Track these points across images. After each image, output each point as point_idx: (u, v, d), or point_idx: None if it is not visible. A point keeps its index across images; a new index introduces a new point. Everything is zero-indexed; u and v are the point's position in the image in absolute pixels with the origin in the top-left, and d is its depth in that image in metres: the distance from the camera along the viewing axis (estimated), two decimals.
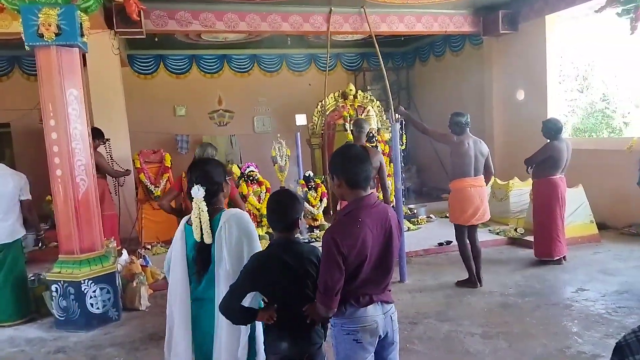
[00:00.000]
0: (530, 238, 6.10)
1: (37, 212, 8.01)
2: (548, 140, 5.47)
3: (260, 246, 2.32)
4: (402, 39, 10.18)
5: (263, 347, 2.26)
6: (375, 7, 8.15)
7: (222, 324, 2.23)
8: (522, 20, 8.36)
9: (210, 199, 2.28)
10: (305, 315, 2.10)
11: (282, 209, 2.17)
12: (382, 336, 2.16)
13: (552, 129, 5.40)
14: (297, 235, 2.23)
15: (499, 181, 7.62)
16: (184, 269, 2.30)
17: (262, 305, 2.21)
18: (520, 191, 7.20)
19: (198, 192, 2.23)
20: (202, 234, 2.23)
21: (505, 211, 7.29)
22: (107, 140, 6.78)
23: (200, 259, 2.25)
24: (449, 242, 6.40)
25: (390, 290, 2.22)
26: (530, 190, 6.01)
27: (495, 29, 8.48)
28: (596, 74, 8.74)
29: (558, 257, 5.54)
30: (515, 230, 6.72)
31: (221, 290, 2.20)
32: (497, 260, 5.91)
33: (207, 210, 2.24)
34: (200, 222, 2.22)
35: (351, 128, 5.22)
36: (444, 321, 4.17)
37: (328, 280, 1.99)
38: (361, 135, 5.25)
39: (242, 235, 2.25)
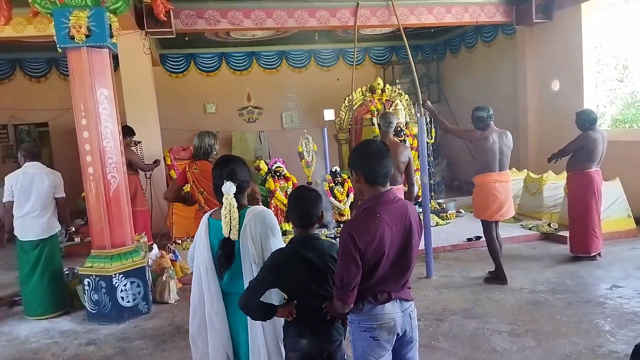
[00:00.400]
0: (565, 233, 5.91)
1: (72, 208, 8.36)
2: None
3: (283, 243, 2.32)
4: (432, 30, 10.00)
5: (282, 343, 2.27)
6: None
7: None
8: (556, 9, 8.08)
9: (237, 195, 2.30)
10: (325, 312, 2.11)
11: (303, 206, 2.18)
12: (400, 334, 2.13)
13: (585, 120, 5.22)
14: (323, 230, 2.23)
15: (532, 174, 7.41)
16: (211, 263, 2.33)
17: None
18: (555, 185, 6.96)
19: (229, 188, 2.24)
20: (230, 230, 2.24)
21: (539, 205, 7.08)
22: (139, 142, 6.96)
23: (224, 255, 2.26)
24: (478, 238, 6.26)
25: (409, 288, 2.19)
26: (565, 184, 5.81)
27: (528, 18, 8.23)
28: (637, 62, 8.34)
29: (594, 253, 5.35)
30: (549, 225, 6.52)
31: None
32: (528, 256, 5.75)
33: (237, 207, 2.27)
34: (230, 218, 2.23)
35: (378, 122, 5.03)
36: (470, 318, 4.09)
37: (344, 276, 1.98)
38: (389, 129, 5.00)
39: (268, 231, 2.27)
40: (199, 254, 2.39)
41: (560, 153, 5.40)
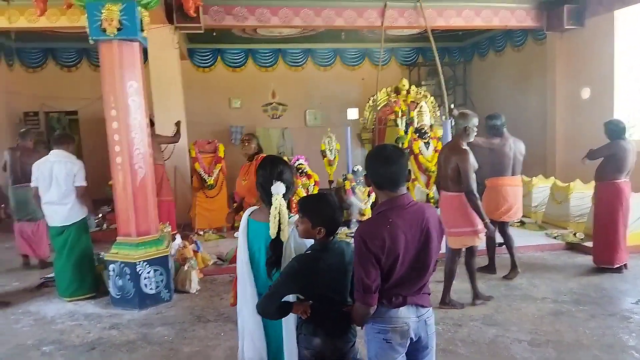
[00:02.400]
0: (590, 244, 5.79)
1: (100, 195, 8.54)
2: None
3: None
4: (460, 33, 9.92)
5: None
6: (432, 1, 7.99)
7: (290, 320, 2.26)
8: (589, 15, 7.94)
9: (286, 197, 2.27)
10: (347, 314, 2.12)
11: (333, 213, 2.15)
12: (415, 339, 2.11)
13: (614, 130, 5.18)
14: (344, 228, 2.22)
15: (559, 183, 7.28)
16: (248, 265, 2.34)
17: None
18: (582, 194, 6.82)
19: (280, 188, 2.21)
20: (278, 231, 2.19)
21: (565, 215, 6.95)
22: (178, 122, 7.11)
23: (275, 256, 2.23)
24: (501, 244, 6.17)
25: (429, 294, 2.17)
26: (593, 194, 5.70)
27: (559, 24, 8.10)
28: None
29: (618, 265, 5.24)
30: (574, 235, 6.40)
31: None
32: (552, 265, 5.66)
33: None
34: (280, 219, 2.18)
35: (458, 121, 4.40)
36: (490, 325, 4.05)
37: (364, 279, 1.98)
38: (468, 132, 4.31)
39: (310, 241, 2.23)
40: (239, 253, 2.39)
41: (590, 155, 5.34)
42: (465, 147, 4.26)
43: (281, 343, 2.34)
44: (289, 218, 2.24)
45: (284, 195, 2.22)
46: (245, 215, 2.41)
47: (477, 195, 4.14)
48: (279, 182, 2.23)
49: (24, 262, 6.24)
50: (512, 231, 6.84)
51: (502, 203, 5.10)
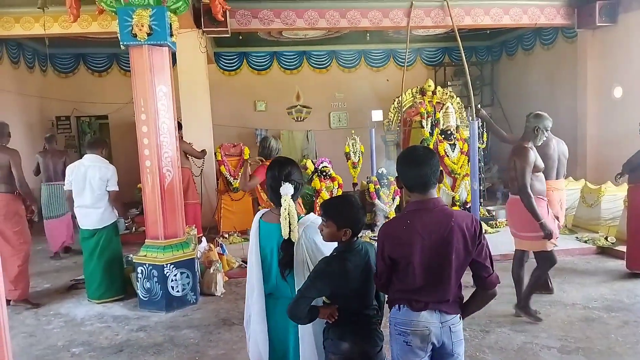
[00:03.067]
0: (622, 248, 5.62)
1: (128, 198, 8.74)
2: None
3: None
4: (488, 32, 9.76)
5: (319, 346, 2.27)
6: (459, 0, 7.87)
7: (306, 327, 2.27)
8: (622, 12, 7.71)
9: (294, 198, 2.30)
10: (374, 317, 2.15)
11: (359, 214, 2.17)
12: (437, 345, 2.09)
13: None
14: (367, 232, 2.23)
15: (590, 185, 7.08)
16: (258, 266, 2.36)
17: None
18: (614, 197, 6.62)
19: (288, 189, 2.24)
20: (289, 232, 2.23)
21: (596, 218, 6.76)
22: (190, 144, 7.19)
23: (287, 257, 2.26)
24: None
25: (455, 301, 2.11)
26: (625, 196, 5.52)
27: (591, 21, 7.89)
28: None
29: None
30: (606, 239, 6.22)
31: None
32: (583, 270, 5.51)
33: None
34: (289, 220, 2.22)
35: (530, 121, 4.24)
36: (519, 332, 3.97)
37: (377, 266, 2.14)
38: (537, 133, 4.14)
39: (320, 242, 2.25)
40: (250, 254, 2.43)
41: (626, 167, 5.08)
42: (528, 145, 4.10)
43: (287, 348, 2.35)
44: (299, 219, 2.27)
45: (293, 196, 2.26)
46: (256, 217, 2.45)
47: (530, 194, 3.95)
48: (287, 183, 2.26)
49: (55, 256, 6.77)
50: None
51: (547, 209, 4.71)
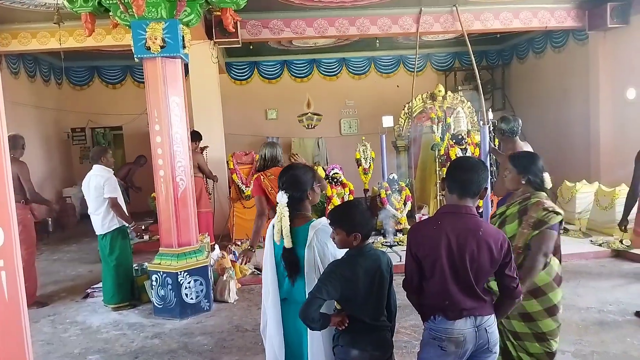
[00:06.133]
0: (638, 251, 5.56)
1: (143, 207, 8.86)
2: None
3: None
4: (498, 36, 9.75)
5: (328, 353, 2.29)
6: (468, 5, 7.90)
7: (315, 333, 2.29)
8: (634, 13, 7.65)
9: (295, 204, 2.36)
10: (383, 325, 2.20)
11: (370, 219, 2.22)
12: (474, 348, 2.12)
13: None
14: (379, 238, 2.26)
15: (604, 188, 7.02)
16: (273, 269, 2.42)
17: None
18: None
19: (282, 198, 2.33)
20: (281, 239, 2.31)
21: (610, 221, 6.66)
22: (206, 147, 7.28)
23: (287, 263, 2.33)
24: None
25: (486, 301, 2.13)
26: None
27: (602, 23, 7.85)
28: None
29: None
30: (621, 242, 6.14)
31: None
32: (597, 273, 5.46)
33: (293, 216, 2.33)
34: (281, 227, 2.30)
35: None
36: None
37: (406, 268, 2.20)
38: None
39: (332, 246, 2.29)
40: (266, 259, 2.48)
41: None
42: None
43: (302, 353, 2.37)
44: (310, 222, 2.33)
45: (295, 204, 2.35)
46: (271, 223, 2.50)
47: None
48: (281, 192, 2.36)
49: None
50: None
51: None
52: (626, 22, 7.75)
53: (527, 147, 4.91)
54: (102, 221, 5.06)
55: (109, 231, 5.08)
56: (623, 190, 6.63)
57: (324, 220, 2.36)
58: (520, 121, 5.14)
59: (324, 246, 2.28)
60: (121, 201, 5.19)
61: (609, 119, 8.37)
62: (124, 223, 5.17)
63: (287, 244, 2.30)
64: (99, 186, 5.02)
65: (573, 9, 8.18)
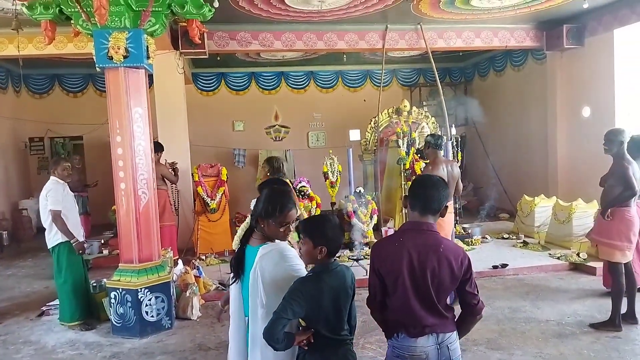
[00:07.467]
0: (594, 264, 5.76)
1: (103, 220, 8.57)
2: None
3: (304, 271, 2.25)
4: (461, 54, 10.03)
5: None
6: (432, 23, 8.10)
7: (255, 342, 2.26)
8: (588, 35, 8.03)
9: (253, 221, 2.37)
10: (347, 341, 2.18)
11: (340, 235, 2.21)
12: None
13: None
14: (346, 251, 2.28)
15: (561, 202, 7.27)
16: (238, 286, 2.43)
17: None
18: (585, 213, 6.80)
19: (251, 206, 2.44)
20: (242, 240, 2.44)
21: (567, 234, 6.91)
22: (175, 163, 7.01)
23: (234, 259, 2.41)
24: (504, 265, 6.16)
25: (448, 318, 2.13)
26: (595, 213, 5.65)
27: (559, 43, 8.21)
28: None
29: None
30: (578, 255, 6.35)
31: (256, 322, 2.21)
32: (556, 286, 5.61)
33: (252, 232, 2.36)
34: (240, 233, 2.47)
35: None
36: (494, 349, 4.01)
37: (369, 284, 2.21)
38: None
39: (279, 271, 2.20)
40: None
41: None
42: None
43: None
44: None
45: (255, 224, 2.36)
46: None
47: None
48: (254, 200, 2.49)
49: None
50: (515, 252, 6.87)
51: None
52: (581, 43, 8.12)
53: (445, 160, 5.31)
54: (48, 235, 4.84)
55: (55, 245, 4.84)
56: (580, 205, 6.90)
57: (275, 246, 2.27)
58: (445, 139, 5.61)
59: (264, 272, 2.19)
60: (73, 214, 4.94)
61: (565, 135, 8.71)
62: (65, 239, 4.84)
63: (234, 245, 2.47)
64: (43, 199, 4.82)
65: (532, 30, 8.53)
